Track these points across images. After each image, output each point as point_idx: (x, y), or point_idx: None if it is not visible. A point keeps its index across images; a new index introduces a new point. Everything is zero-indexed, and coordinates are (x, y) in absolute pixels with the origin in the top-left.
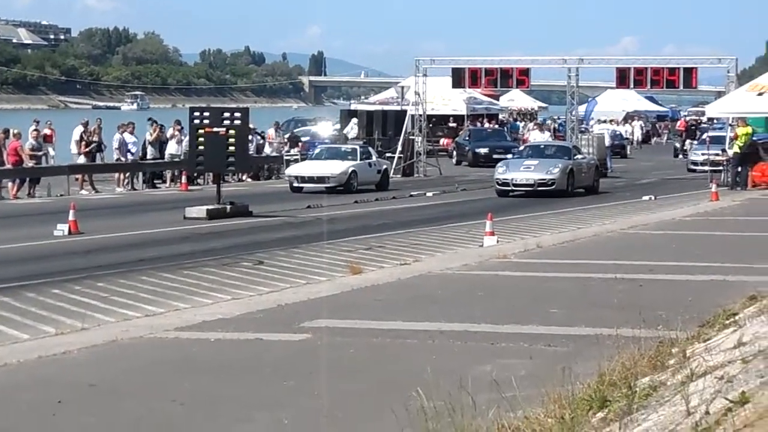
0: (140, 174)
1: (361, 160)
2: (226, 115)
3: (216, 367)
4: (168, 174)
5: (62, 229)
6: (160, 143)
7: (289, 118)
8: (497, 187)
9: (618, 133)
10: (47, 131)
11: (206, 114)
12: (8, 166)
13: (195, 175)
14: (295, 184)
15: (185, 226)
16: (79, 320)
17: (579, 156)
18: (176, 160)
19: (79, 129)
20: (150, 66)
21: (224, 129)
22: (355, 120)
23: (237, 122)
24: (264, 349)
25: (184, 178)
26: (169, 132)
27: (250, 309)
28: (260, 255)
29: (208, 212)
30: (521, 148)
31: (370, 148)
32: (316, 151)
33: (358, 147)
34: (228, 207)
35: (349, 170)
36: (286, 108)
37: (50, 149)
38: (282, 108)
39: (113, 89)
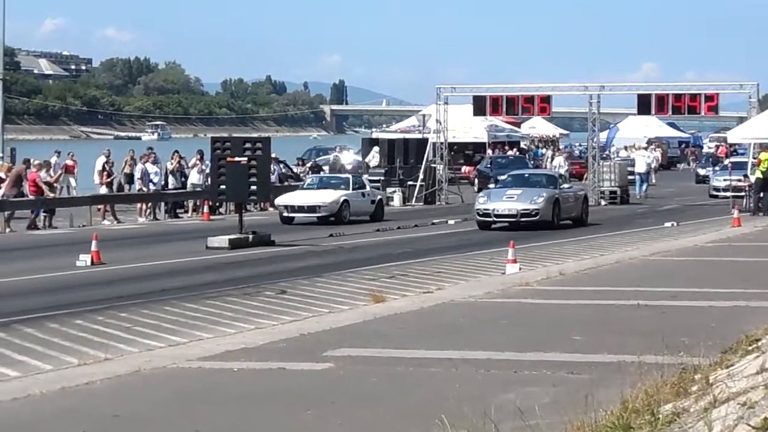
0: (162, 204)
1: (353, 189)
2: (248, 144)
3: (239, 396)
4: (190, 204)
5: (85, 259)
6: (182, 173)
7: (311, 147)
8: (477, 218)
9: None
10: (69, 162)
11: (228, 144)
12: (30, 197)
13: (217, 204)
14: (285, 214)
15: (207, 255)
16: (102, 351)
17: (566, 185)
18: (198, 189)
19: (102, 159)
20: (171, 96)
21: (246, 158)
22: (376, 148)
23: (258, 152)
24: (287, 378)
25: (206, 208)
26: (191, 162)
27: (273, 338)
28: (283, 284)
29: (231, 242)
30: (503, 177)
31: (364, 178)
32: (308, 180)
33: (350, 177)
34: (250, 236)
35: (341, 200)
36: (307, 136)
37: (72, 180)
38: (303, 137)
39: (135, 119)
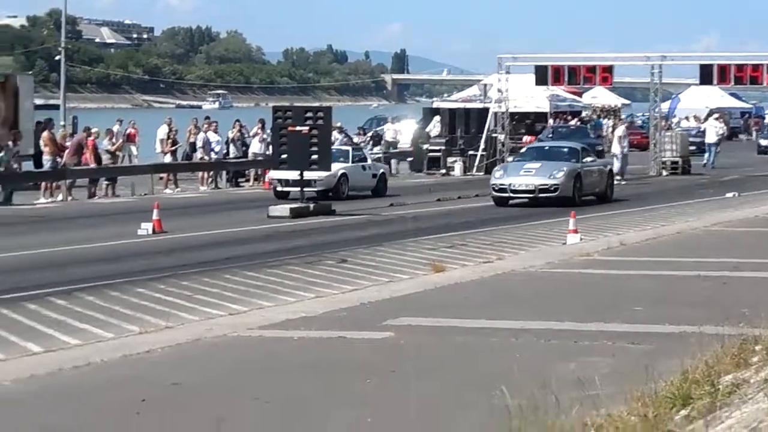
0: (224, 173)
1: (353, 162)
2: (309, 114)
3: (299, 365)
4: (251, 173)
5: (146, 228)
6: (243, 142)
7: (372, 116)
8: (493, 193)
9: (702, 130)
10: (131, 130)
11: (289, 113)
12: (92, 165)
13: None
14: (279, 188)
15: (269, 224)
16: (163, 319)
17: (589, 159)
18: (259, 158)
19: (164, 128)
20: (233, 65)
21: (307, 128)
22: (437, 118)
23: (320, 121)
24: (347, 347)
25: (267, 177)
26: (253, 131)
27: (333, 307)
28: (343, 253)
29: (292, 211)
30: (524, 150)
31: (365, 151)
32: None
33: (350, 149)
34: (311, 205)
35: (339, 173)
36: (367, 105)
37: (133, 148)
38: (364, 106)
39: (196, 88)
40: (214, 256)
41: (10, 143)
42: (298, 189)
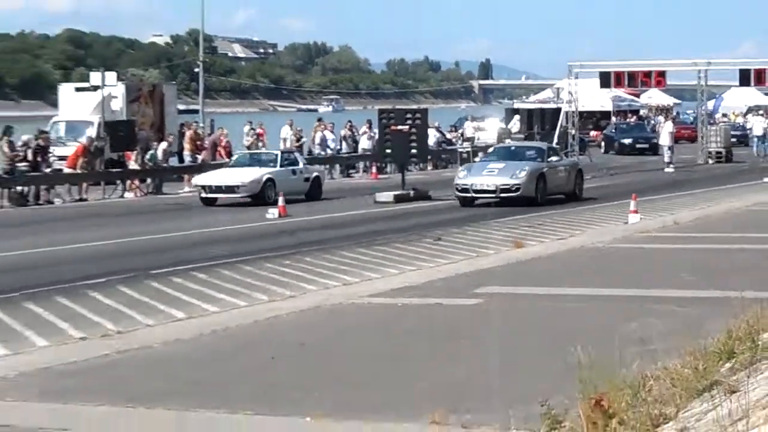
0: (337, 165)
1: (282, 167)
2: (409, 115)
3: (403, 327)
4: (360, 165)
5: (273, 212)
6: (354, 139)
7: (461, 116)
8: (456, 193)
9: (740, 125)
10: (259, 130)
11: (392, 114)
12: (226, 159)
13: (383, 165)
14: (203, 195)
15: (375, 209)
16: (287, 289)
17: (555, 158)
18: (367, 153)
19: (286, 128)
20: (344, 75)
21: (407, 126)
22: (517, 116)
23: (418, 121)
24: (443, 312)
25: (374, 169)
26: (362, 130)
27: (431, 278)
28: (439, 232)
29: (395, 197)
30: (490, 150)
31: (297, 155)
32: (235, 158)
33: (279, 153)
34: (411, 192)
35: (264, 178)
36: (457, 107)
37: (261, 145)
38: (454, 107)
39: (313, 94)
40: (330, 236)
41: (165, 142)
42: (223, 195)
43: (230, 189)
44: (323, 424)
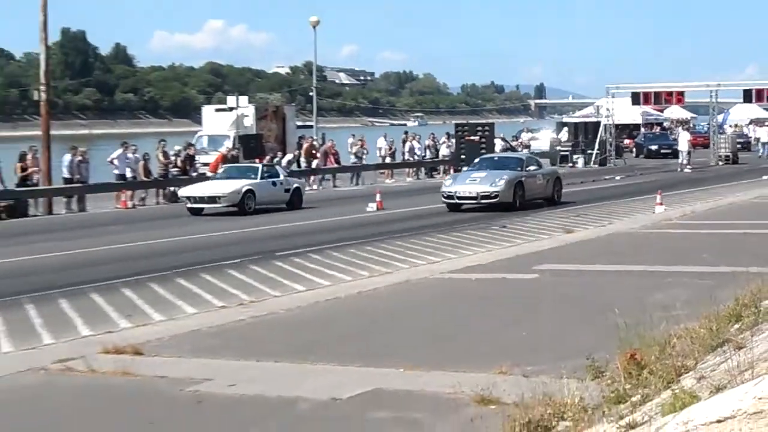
0: (422, 169)
1: (262, 179)
2: (479, 128)
3: (477, 296)
4: (441, 168)
5: (372, 206)
6: (435, 147)
7: (520, 128)
8: (443, 200)
9: (744, 134)
10: (359, 142)
11: (466, 128)
12: (334, 165)
13: (459, 168)
14: (189, 205)
15: None
16: (383, 267)
17: (532, 167)
18: (446, 159)
19: (381, 139)
20: (427, 96)
21: (478, 137)
22: (566, 128)
23: (486, 133)
24: (508, 284)
25: (452, 171)
26: (441, 140)
27: (498, 258)
28: (503, 221)
29: None
30: (476, 160)
31: (279, 168)
32: (220, 171)
33: (260, 166)
34: None
35: (243, 189)
36: (516, 121)
37: (365, 152)
38: (514, 122)
39: (403, 112)
40: (417, 225)
41: (291, 155)
42: (206, 205)
43: (212, 199)
44: (413, 373)
